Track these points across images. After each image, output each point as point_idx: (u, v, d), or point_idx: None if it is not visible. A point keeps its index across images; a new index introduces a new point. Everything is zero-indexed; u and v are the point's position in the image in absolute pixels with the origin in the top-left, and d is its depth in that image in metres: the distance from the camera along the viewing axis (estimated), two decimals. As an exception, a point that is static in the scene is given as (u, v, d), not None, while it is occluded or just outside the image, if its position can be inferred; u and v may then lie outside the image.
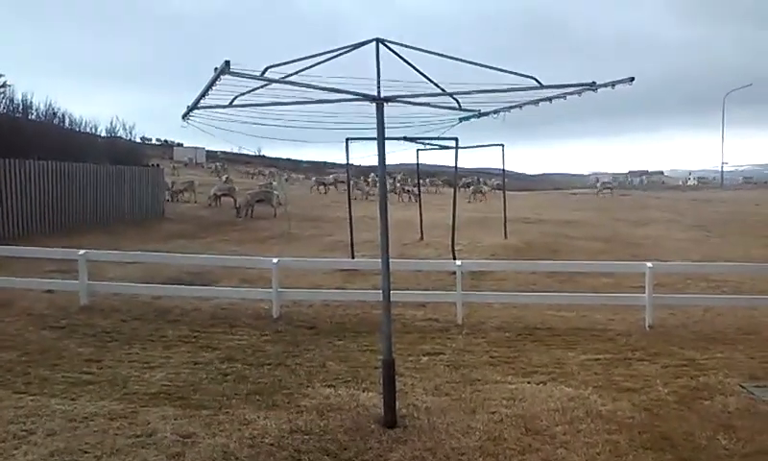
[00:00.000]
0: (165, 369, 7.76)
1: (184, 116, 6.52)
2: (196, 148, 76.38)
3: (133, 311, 10.65)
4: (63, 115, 35.24)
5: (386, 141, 6.15)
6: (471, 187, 48.92)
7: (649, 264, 10.13)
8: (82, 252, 11.04)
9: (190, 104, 6.13)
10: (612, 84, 5.47)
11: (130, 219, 25.24)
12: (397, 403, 6.25)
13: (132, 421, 6.14)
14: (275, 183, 39.26)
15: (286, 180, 59.55)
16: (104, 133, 38.63)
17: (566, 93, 5.91)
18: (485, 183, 51.52)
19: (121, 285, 11.70)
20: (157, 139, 78.76)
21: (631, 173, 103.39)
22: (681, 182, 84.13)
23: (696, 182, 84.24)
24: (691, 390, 7.03)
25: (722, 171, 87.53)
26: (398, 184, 45.67)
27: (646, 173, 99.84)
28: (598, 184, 64.38)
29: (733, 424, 6.10)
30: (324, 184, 48.55)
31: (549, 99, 6.14)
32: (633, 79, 5.37)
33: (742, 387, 7.09)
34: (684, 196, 54.78)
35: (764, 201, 40.60)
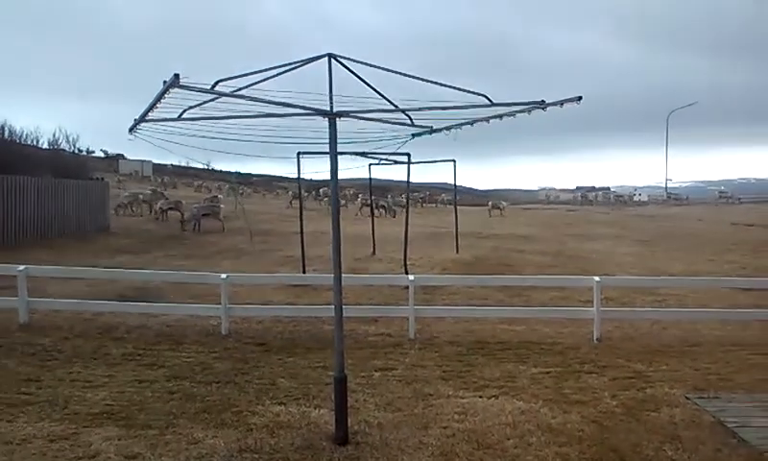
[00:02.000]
0: (109, 388, 7.52)
1: (131, 129, 6.37)
2: (142, 161, 74.89)
3: (76, 328, 10.30)
4: (3, 127, 34.10)
5: (339, 156, 6.12)
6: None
7: (597, 278, 10.33)
8: (21, 267, 10.63)
9: (137, 117, 5.99)
10: (561, 103, 5.58)
11: (73, 233, 24.48)
12: (349, 420, 6.19)
13: (73, 442, 5.93)
14: (220, 197, 38.51)
15: (241, 193, 58.89)
16: (46, 146, 37.50)
17: (516, 111, 6.00)
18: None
19: (63, 302, 11.29)
20: (102, 151, 76.70)
21: (578, 189, 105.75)
22: (645, 198, 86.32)
23: (647, 198, 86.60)
24: (638, 402, 7.17)
25: (666, 187, 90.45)
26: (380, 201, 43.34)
27: (593, 189, 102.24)
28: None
29: (679, 434, 6.24)
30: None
31: (500, 116, 6.22)
32: (580, 98, 5.49)
33: (687, 398, 7.26)
34: (629, 211, 56.27)
35: (707, 217, 42.03)
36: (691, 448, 5.95)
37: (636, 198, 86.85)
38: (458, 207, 25.32)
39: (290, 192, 50.01)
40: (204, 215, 28.69)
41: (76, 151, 40.77)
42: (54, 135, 38.85)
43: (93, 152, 75.15)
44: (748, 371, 8.36)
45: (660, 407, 6.99)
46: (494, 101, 5.72)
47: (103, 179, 33.62)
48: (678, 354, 9.16)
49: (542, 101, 5.68)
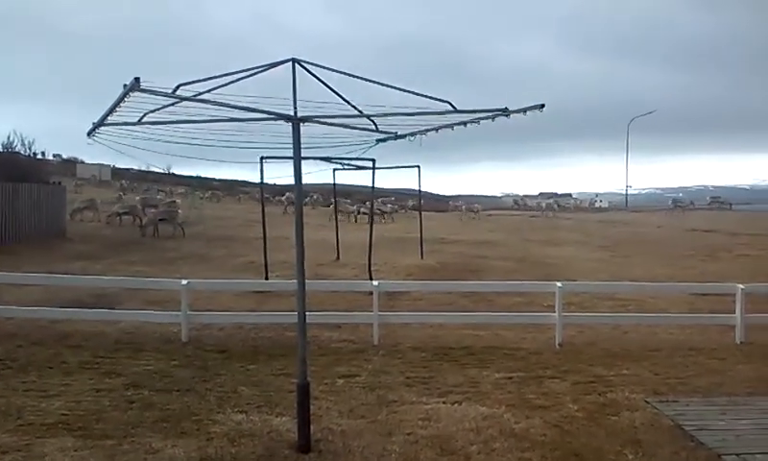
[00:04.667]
0: (65, 397, 7.31)
1: (90, 133, 6.25)
2: (101, 165, 73.48)
3: (31, 336, 10.01)
4: (-48, 129, 32.96)
5: (303, 161, 6.08)
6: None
7: (559, 284, 10.46)
8: (-27, 273, 10.29)
9: (96, 120, 5.87)
10: (524, 111, 5.64)
11: (28, 239, 23.81)
12: (312, 428, 6.13)
13: (26, 454, 5.76)
14: (178, 201, 37.93)
15: (201, 198, 58.25)
16: (0, 149, 36.43)
17: (480, 118, 6.05)
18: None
19: (17, 309, 10.94)
20: (55, 155, 74.69)
21: (542, 195, 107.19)
22: (602, 204, 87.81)
23: (607, 205, 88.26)
24: (600, 406, 7.26)
25: (626, 194, 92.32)
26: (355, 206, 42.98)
27: (556, 195, 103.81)
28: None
29: (639, 438, 6.33)
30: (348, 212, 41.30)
31: (464, 123, 6.26)
32: (543, 105, 5.56)
33: (647, 402, 7.38)
34: (591, 217, 57.22)
35: (664, 223, 42.96)
36: (651, 451, 6.04)
37: (597, 204, 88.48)
38: (424, 213, 25.40)
39: (286, 195, 47.34)
40: (161, 220, 28.20)
41: (32, 154, 39.52)
42: (8, 138, 37.62)
43: (44, 154, 73.57)
44: (705, 375, 8.55)
45: (620, 411, 7.09)
46: (458, 108, 5.75)
47: (60, 183, 32.84)
48: (638, 359, 9.32)
49: (506, 108, 5.73)
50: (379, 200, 48.16)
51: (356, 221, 39.06)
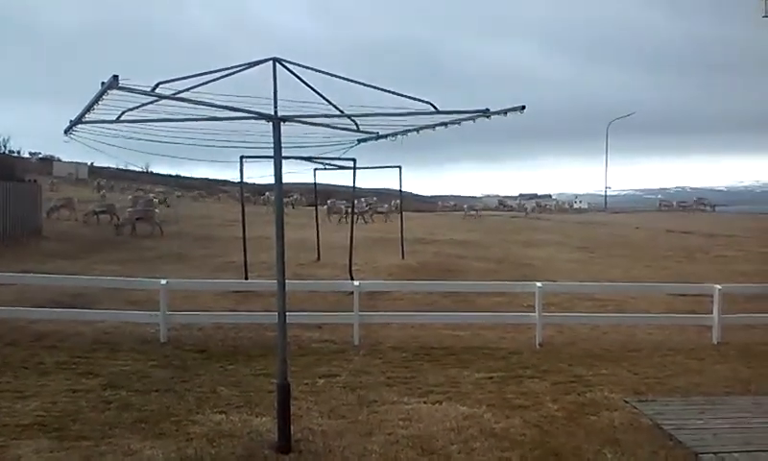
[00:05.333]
0: (40, 398, 7.21)
1: (67, 131, 6.17)
2: (77, 163, 72.59)
3: (5, 337, 9.85)
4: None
5: (283, 160, 6.05)
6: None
7: (539, 284, 10.53)
8: (-54, 273, 10.11)
9: (74, 118, 5.79)
10: (505, 112, 5.66)
11: (2, 238, 23.44)
12: (292, 428, 6.10)
13: (0, 456, 5.65)
14: (155, 200, 37.58)
15: (178, 196, 57.76)
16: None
17: (461, 119, 6.06)
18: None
19: (-8, 309, 10.79)
20: (32, 153, 73.77)
21: (522, 196, 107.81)
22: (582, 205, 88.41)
23: (587, 206, 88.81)
24: (579, 406, 7.31)
25: (605, 195, 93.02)
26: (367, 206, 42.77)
27: (536, 196, 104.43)
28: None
29: (618, 437, 6.39)
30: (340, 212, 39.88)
31: (445, 124, 6.27)
32: (524, 107, 5.58)
33: (626, 402, 7.45)
34: (570, 218, 57.62)
35: (643, 224, 43.38)
36: (630, 450, 6.09)
37: (576, 205, 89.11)
38: (413, 214, 25.39)
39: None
40: (137, 219, 27.91)
41: (6, 152, 39.00)
42: (-18, 135, 37.04)
43: (36, 153, 72.66)
44: (684, 375, 8.65)
45: (599, 411, 7.14)
46: (440, 108, 5.76)
47: (35, 181, 32.38)
48: (617, 359, 9.40)
49: (487, 109, 5.75)
50: (374, 199, 48.36)
51: (365, 220, 39.06)
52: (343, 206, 40.70)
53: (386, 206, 46.41)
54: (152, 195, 45.20)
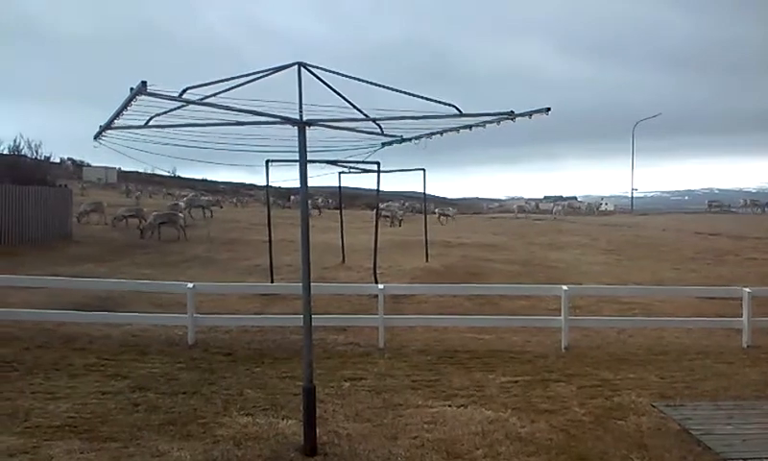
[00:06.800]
0: (71, 399, 7.34)
1: (96, 136, 6.27)
2: (106, 168, 73.62)
3: (37, 339, 10.04)
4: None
5: (308, 164, 6.08)
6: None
7: (564, 287, 10.43)
8: (-20, 276, 10.33)
9: (103, 123, 5.88)
10: (530, 114, 5.62)
11: (34, 242, 23.89)
12: (318, 431, 6.13)
13: (33, 456, 5.78)
14: (180, 204, 38.03)
15: (208, 205, 58.20)
16: (6, 152, 36.53)
17: (486, 121, 6.03)
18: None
19: (23, 312, 11.00)
20: (68, 158, 75.28)
21: (546, 198, 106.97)
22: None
23: (613, 208, 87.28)
24: (606, 410, 7.24)
25: (632, 197, 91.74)
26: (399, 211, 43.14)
27: (561, 198, 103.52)
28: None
29: (646, 442, 6.31)
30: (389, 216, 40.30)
31: (469, 127, 6.25)
32: (549, 109, 5.54)
33: (653, 406, 7.35)
34: (595, 220, 57.02)
35: (670, 226, 42.77)
36: (657, 455, 6.02)
37: (603, 207, 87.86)
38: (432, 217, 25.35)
39: (320, 200, 47.19)
40: (161, 223, 28.22)
41: (39, 157, 39.63)
42: (14, 141, 37.70)
43: (50, 157, 73.80)
44: (712, 379, 8.51)
45: (626, 415, 7.06)
46: (464, 111, 5.74)
47: (66, 186, 32.95)
48: (644, 363, 9.29)
49: (512, 111, 5.72)
50: (404, 202, 48.58)
51: (400, 225, 38.62)
52: (391, 211, 41.40)
53: (451, 208, 47.05)
54: (204, 198, 46.36)
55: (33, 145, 38.33)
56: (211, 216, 38.74)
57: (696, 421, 6.85)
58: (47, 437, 6.22)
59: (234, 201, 62.87)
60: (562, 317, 10.19)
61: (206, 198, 46.73)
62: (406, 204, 51.34)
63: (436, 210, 49.27)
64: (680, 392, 7.94)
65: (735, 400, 7.60)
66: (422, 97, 5.77)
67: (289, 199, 49.96)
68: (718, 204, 71.82)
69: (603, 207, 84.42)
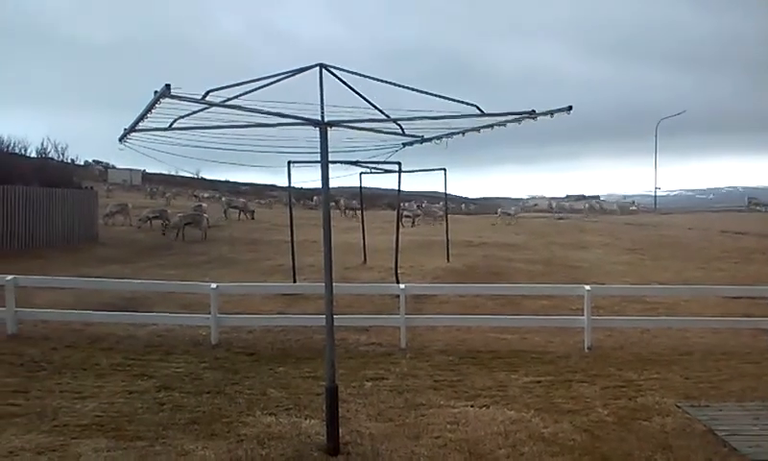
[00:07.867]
0: (98, 399, 7.45)
1: (121, 138, 6.36)
2: (131, 170, 74.52)
3: (64, 339, 10.21)
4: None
5: (330, 165, 6.12)
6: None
7: (587, 287, 10.36)
8: (9, 277, 10.53)
9: (128, 126, 5.97)
10: (551, 113, 5.60)
11: (61, 243, 24.29)
12: (341, 430, 6.16)
13: (61, 454, 5.88)
14: (204, 206, 38.48)
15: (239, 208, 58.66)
16: (34, 155, 37.16)
17: (507, 121, 6.02)
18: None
19: (51, 312, 11.19)
20: (95, 161, 76.36)
21: (569, 197, 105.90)
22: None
23: (636, 207, 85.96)
24: (630, 411, 7.18)
25: (655, 196, 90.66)
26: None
27: (584, 197, 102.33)
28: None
29: (670, 443, 6.25)
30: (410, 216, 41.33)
31: (491, 126, 6.24)
32: (570, 107, 5.51)
33: (678, 407, 7.28)
34: (619, 220, 56.45)
35: (696, 225, 42.22)
36: (683, 456, 5.96)
37: (631, 207, 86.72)
38: (456, 217, 25.28)
39: (342, 201, 46.83)
40: (186, 224, 28.51)
41: (65, 160, 40.35)
42: (42, 144, 38.37)
43: (75, 160, 74.92)
44: (738, 379, 8.40)
45: (651, 416, 7.00)
46: (485, 111, 5.74)
47: (92, 188, 33.42)
48: (668, 363, 9.19)
49: (533, 111, 5.70)
50: (424, 203, 48.48)
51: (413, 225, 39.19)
52: (412, 212, 41.77)
53: (513, 208, 47.08)
54: (242, 200, 47.06)
55: (59, 148, 39.07)
56: (252, 217, 39.70)
57: (722, 421, 6.77)
58: (75, 435, 6.32)
59: (261, 202, 63.33)
60: (584, 317, 10.11)
61: (242, 200, 47.35)
62: (424, 204, 51.13)
63: (498, 210, 49.50)
64: (705, 392, 7.84)
65: (762, 401, 7.48)
66: (443, 97, 5.78)
67: (312, 199, 50.16)
68: (756, 201, 68.73)
69: (633, 208, 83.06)
